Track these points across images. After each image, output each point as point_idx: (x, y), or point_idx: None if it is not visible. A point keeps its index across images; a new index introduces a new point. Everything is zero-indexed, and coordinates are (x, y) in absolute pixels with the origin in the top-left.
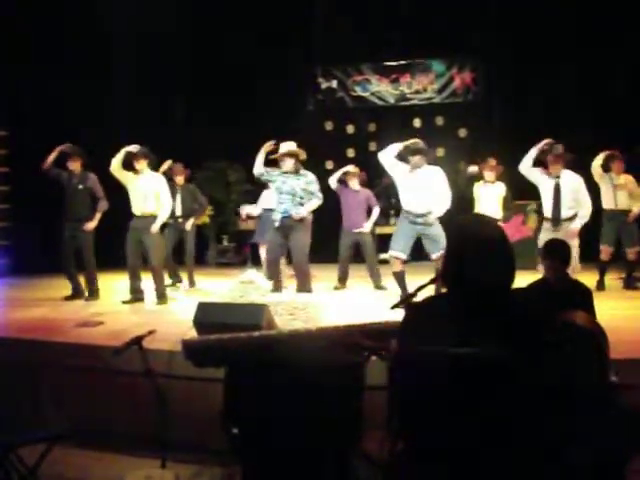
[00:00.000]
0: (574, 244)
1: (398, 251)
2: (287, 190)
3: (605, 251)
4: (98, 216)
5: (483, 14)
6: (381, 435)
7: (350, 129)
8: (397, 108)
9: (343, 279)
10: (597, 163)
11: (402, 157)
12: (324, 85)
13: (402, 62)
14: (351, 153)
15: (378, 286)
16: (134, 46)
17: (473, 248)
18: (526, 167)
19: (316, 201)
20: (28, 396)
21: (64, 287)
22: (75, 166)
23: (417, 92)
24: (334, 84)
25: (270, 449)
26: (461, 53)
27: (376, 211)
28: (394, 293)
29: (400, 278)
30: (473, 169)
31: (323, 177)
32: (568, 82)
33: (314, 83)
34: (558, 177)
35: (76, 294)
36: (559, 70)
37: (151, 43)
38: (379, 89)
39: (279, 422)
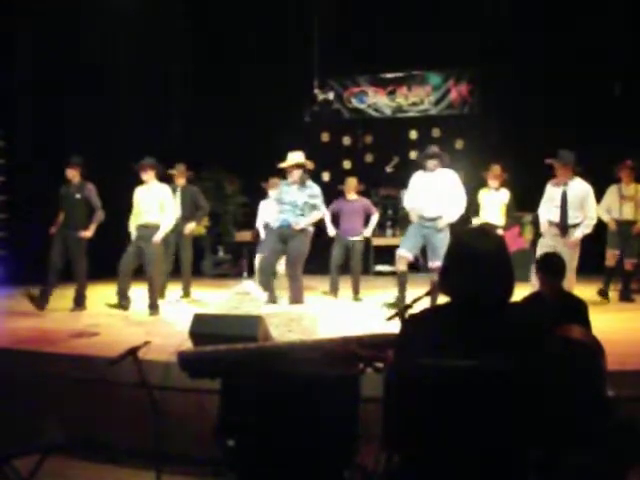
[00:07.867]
0: (574, 256)
1: (404, 249)
2: (289, 201)
3: (611, 255)
4: (94, 226)
5: (480, 26)
6: (376, 447)
7: (346, 141)
8: (393, 120)
9: (334, 289)
10: None
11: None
12: (321, 97)
13: (399, 74)
14: (347, 165)
15: (356, 297)
16: (132, 59)
17: (471, 260)
18: None
19: (317, 214)
20: (23, 407)
21: (60, 298)
22: (73, 175)
23: (414, 104)
24: (331, 96)
25: (265, 461)
26: (458, 65)
27: (375, 218)
28: (379, 304)
29: (402, 280)
30: None
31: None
32: (566, 94)
33: (311, 95)
34: (566, 185)
35: (40, 301)
36: (556, 82)
37: (150, 57)
38: (375, 101)
39: (274, 434)
